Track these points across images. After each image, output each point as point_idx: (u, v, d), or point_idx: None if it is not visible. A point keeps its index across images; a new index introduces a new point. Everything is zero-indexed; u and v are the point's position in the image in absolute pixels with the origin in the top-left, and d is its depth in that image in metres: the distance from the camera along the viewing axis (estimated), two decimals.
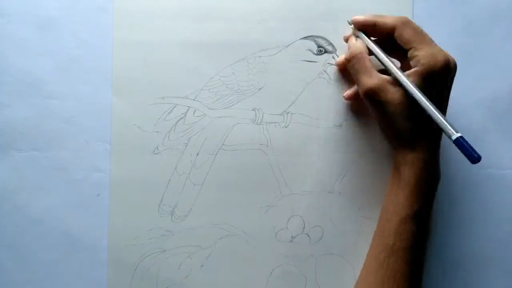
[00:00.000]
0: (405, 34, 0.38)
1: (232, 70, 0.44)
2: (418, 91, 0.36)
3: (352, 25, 0.41)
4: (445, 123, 0.34)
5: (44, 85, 0.44)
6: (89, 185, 0.44)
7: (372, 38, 0.40)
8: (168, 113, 0.44)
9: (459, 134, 0.33)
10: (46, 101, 0.44)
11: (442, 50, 0.37)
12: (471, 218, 0.43)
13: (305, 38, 0.44)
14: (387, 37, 0.39)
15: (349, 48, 0.41)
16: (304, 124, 0.43)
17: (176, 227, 0.43)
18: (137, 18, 0.44)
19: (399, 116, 0.37)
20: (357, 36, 0.40)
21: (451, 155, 0.43)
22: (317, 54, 0.43)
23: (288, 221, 0.43)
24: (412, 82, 0.36)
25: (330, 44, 0.43)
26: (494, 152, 0.44)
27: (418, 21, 0.43)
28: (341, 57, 0.43)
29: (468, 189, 0.43)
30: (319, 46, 0.43)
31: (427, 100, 0.35)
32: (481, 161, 0.43)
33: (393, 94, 0.37)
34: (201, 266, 0.43)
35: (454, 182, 0.43)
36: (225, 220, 0.43)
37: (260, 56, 0.44)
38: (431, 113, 0.35)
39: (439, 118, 0.35)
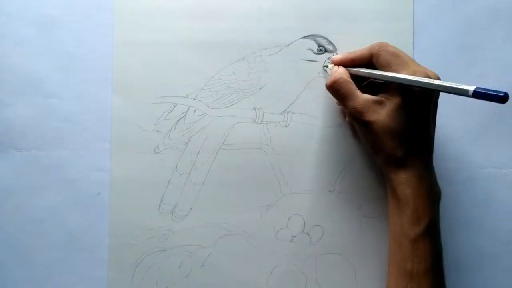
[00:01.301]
0: (382, 59, 0.38)
1: (233, 70, 0.44)
2: (415, 77, 0.35)
3: (330, 65, 0.42)
4: (456, 86, 0.33)
5: (45, 84, 0.44)
6: (89, 184, 0.43)
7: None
8: (169, 112, 0.44)
9: (474, 87, 0.31)
10: (47, 100, 0.44)
11: (422, 68, 0.36)
12: (472, 217, 0.43)
13: (306, 37, 0.44)
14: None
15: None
16: (305, 123, 0.43)
17: (177, 226, 0.43)
18: (137, 17, 0.44)
19: (386, 135, 0.37)
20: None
21: (451, 155, 0.43)
22: (318, 54, 0.44)
23: (288, 220, 0.43)
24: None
25: (331, 43, 0.44)
26: (494, 152, 0.44)
27: (418, 20, 0.43)
28: (337, 56, 0.42)
29: (468, 188, 0.43)
30: (319, 46, 0.44)
31: (427, 79, 0.34)
32: (481, 161, 0.43)
33: (378, 114, 0.37)
34: (202, 265, 0.43)
35: (454, 182, 0.43)
36: (225, 219, 0.43)
37: (260, 56, 0.44)
38: (439, 86, 0.34)
39: (448, 85, 0.33)
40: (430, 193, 0.37)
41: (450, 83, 0.33)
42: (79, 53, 0.44)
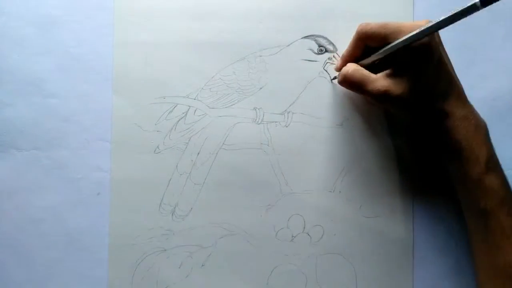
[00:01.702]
0: (373, 37, 0.38)
1: (233, 70, 0.44)
2: (420, 28, 0.34)
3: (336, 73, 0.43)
4: (460, 9, 0.32)
5: (45, 84, 0.44)
6: (89, 184, 0.43)
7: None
8: (169, 112, 0.44)
9: None
10: (47, 100, 0.44)
11: (415, 22, 0.36)
12: None
13: (306, 37, 0.44)
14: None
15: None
16: (305, 123, 0.44)
17: (177, 226, 0.43)
18: (137, 17, 0.44)
19: (417, 98, 0.37)
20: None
21: None
22: (318, 54, 0.44)
23: (288, 220, 0.43)
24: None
25: (331, 43, 0.44)
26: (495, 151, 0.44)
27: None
28: (337, 62, 0.43)
29: None
30: (319, 46, 0.44)
31: (429, 24, 0.34)
32: None
33: (400, 84, 0.37)
34: (202, 265, 0.43)
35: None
36: (225, 220, 0.43)
37: (260, 56, 0.44)
38: (444, 21, 0.33)
39: (457, 11, 0.32)
40: (478, 128, 0.37)
41: (452, 11, 0.32)
42: (79, 53, 0.44)
